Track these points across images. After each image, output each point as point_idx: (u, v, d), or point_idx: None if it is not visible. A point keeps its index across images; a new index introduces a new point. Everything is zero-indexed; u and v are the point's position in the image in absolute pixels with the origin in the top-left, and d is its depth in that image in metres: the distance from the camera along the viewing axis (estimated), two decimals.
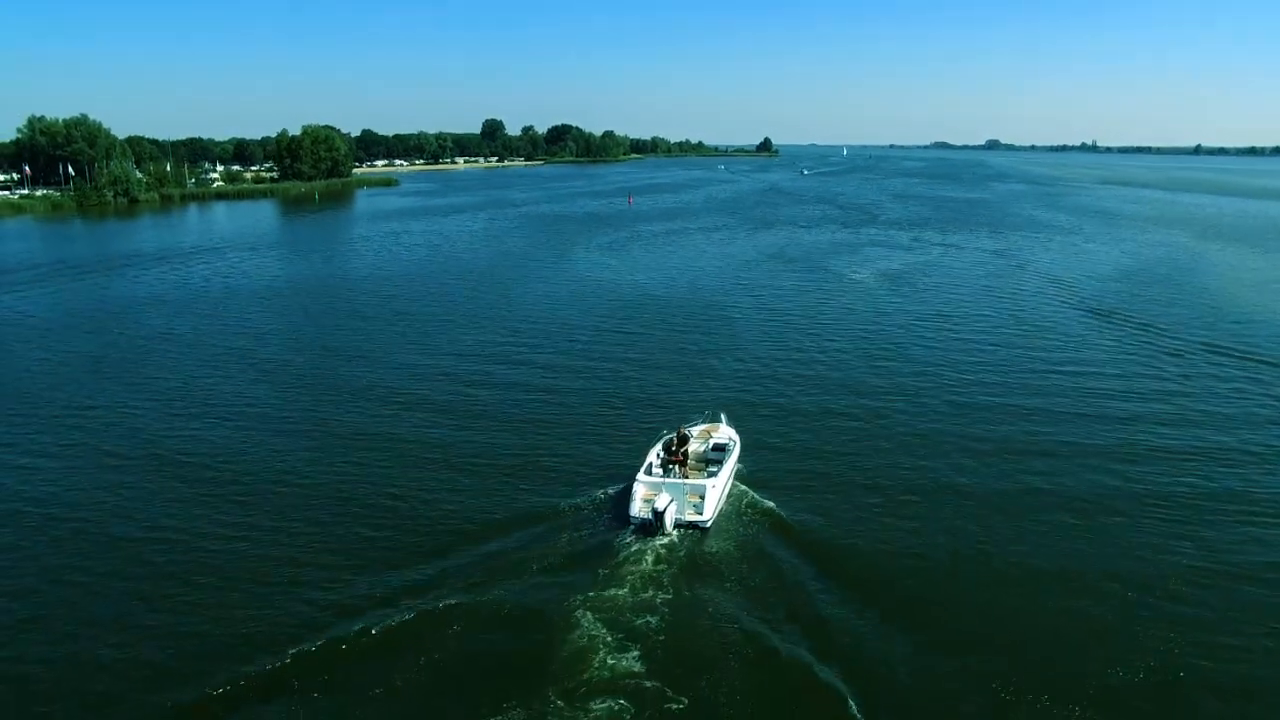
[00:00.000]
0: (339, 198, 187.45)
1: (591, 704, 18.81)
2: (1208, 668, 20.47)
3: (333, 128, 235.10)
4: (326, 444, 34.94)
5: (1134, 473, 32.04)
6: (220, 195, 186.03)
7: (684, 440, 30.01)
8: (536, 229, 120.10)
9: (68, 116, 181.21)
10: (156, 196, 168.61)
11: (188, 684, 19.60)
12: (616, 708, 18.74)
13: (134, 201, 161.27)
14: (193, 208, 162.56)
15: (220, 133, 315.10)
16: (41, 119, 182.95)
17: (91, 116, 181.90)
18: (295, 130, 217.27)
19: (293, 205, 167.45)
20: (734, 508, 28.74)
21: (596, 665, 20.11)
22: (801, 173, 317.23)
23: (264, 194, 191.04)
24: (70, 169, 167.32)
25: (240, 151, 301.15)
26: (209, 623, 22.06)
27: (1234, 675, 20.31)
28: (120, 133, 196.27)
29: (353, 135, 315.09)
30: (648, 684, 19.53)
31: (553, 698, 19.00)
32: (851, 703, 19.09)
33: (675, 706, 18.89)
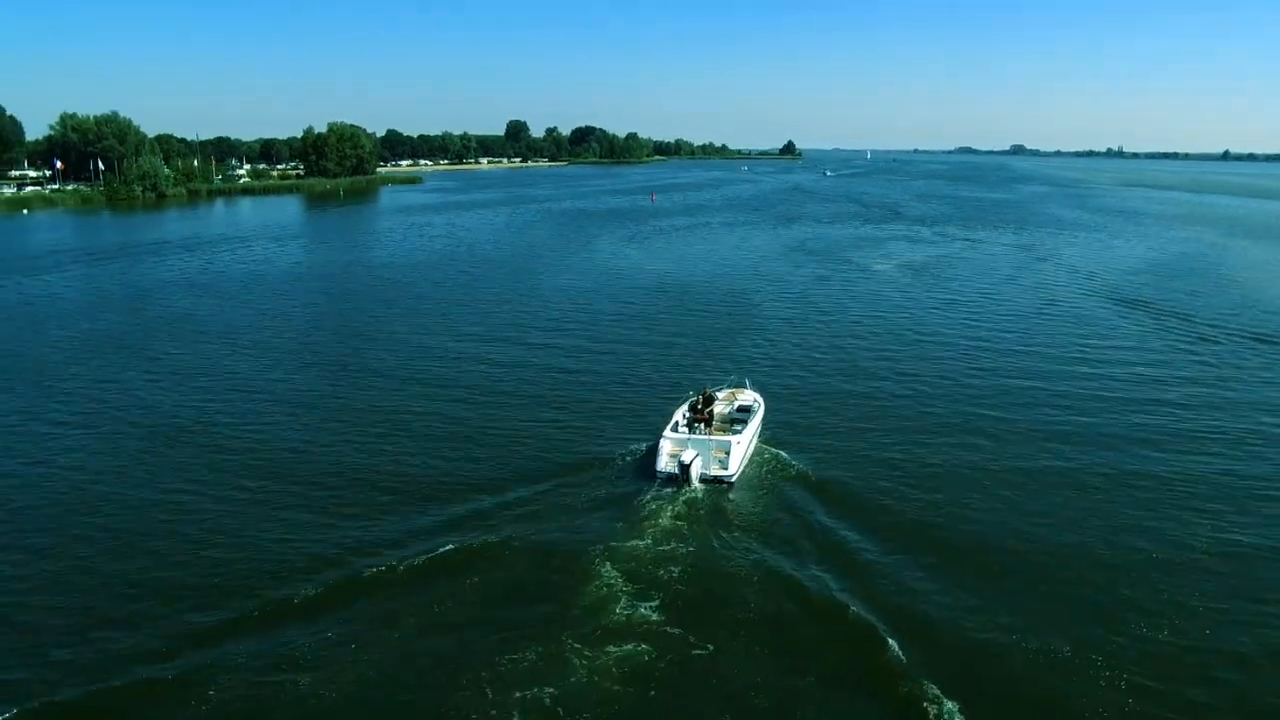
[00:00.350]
0: (363, 194, 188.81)
1: (612, 646, 18.66)
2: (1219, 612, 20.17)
3: (358, 126, 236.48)
4: (362, 410, 35.26)
5: (1156, 442, 31.64)
6: (246, 191, 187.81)
7: (709, 401, 30.30)
8: (559, 223, 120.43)
9: (99, 114, 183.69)
10: (184, 191, 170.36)
11: (219, 607, 20.26)
12: (640, 649, 18.59)
13: (162, 196, 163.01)
14: (219, 202, 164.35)
15: (247, 133, 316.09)
16: (73, 116, 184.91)
17: (122, 114, 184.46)
18: (321, 129, 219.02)
19: (317, 200, 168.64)
20: (758, 465, 28.97)
21: (618, 610, 20.01)
22: (824, 174, 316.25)
23: (289, 190, 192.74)
24: (101, 165, 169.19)
25: (267, 151, 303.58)
26: (239, 561, 22.48)
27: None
28: (150, 132, 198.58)
29: (378, 135, 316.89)
30: (672, 630, 19.36)
31: (573, 640, 18.84)
32: (889, 640, 18.98)
33: (699, 652, 18.69)
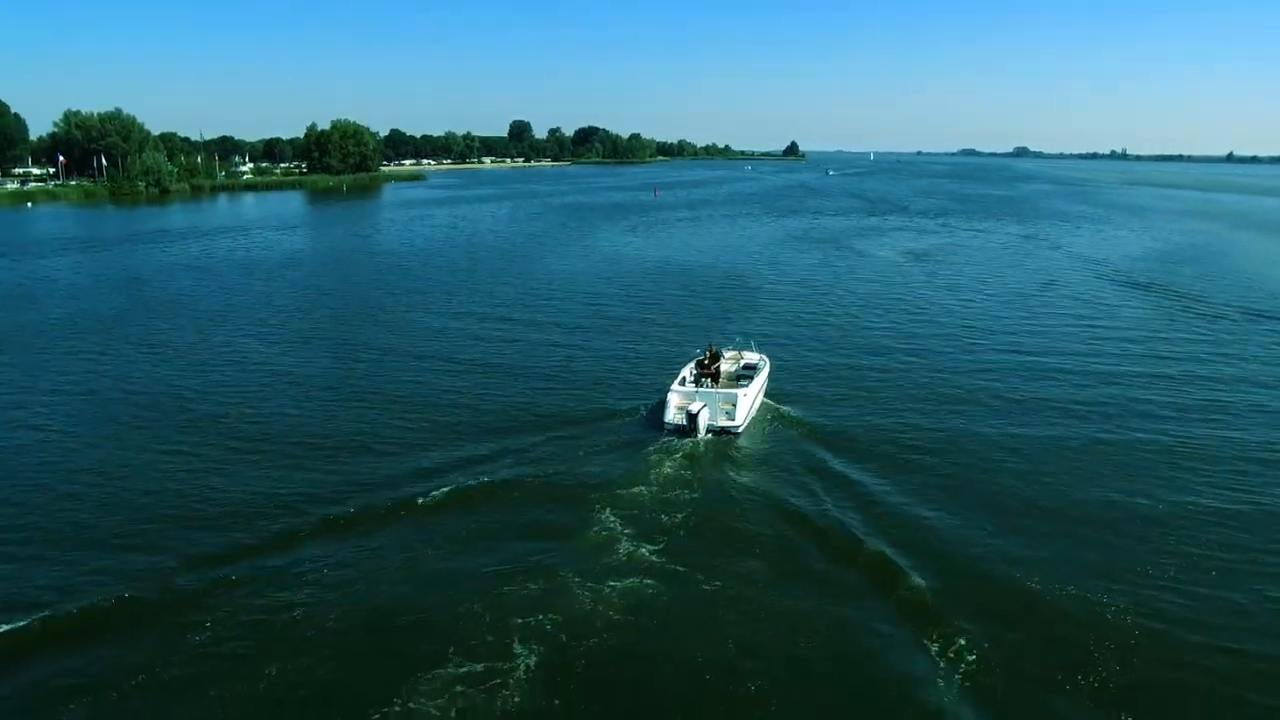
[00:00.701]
0: (366, 190, 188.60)
1: (614, 580, 18.49)
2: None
3: (361, 124, 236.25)
4: (370, 378, 35.37)
5: (1159, 411, 31.57)
6: (250, 187, 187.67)
7: (716, 357, 30.77)
8: (563, 215, 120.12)
9: (103, 111, 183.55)
10: (187, 187, 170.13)
11: (230, 534, 20.56)
12: (643, 583, 18.43)
13: (165, 191, 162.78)
14: (222, 197, 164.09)
15: (250, 135, 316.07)
16: (77, 113, 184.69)
17: (125, 112, 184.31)
18: (324, 126, 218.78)
19: (320, 196, 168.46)
20: (764, 418, 29.40)
21: (622, 547, 19.94)
22: (827, 173, 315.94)
23: (292, 185, 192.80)
24: (104, 161, 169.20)
25: (270, 150, 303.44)
26: (248, 497, 22.67)
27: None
28: (153, 130, 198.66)
29: (380, 135, 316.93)
30: (675, 565, 19.19)
31: (575, 574, 18.68)
32: (897, 561, 19.23)
33: (705, 587, 18.46)
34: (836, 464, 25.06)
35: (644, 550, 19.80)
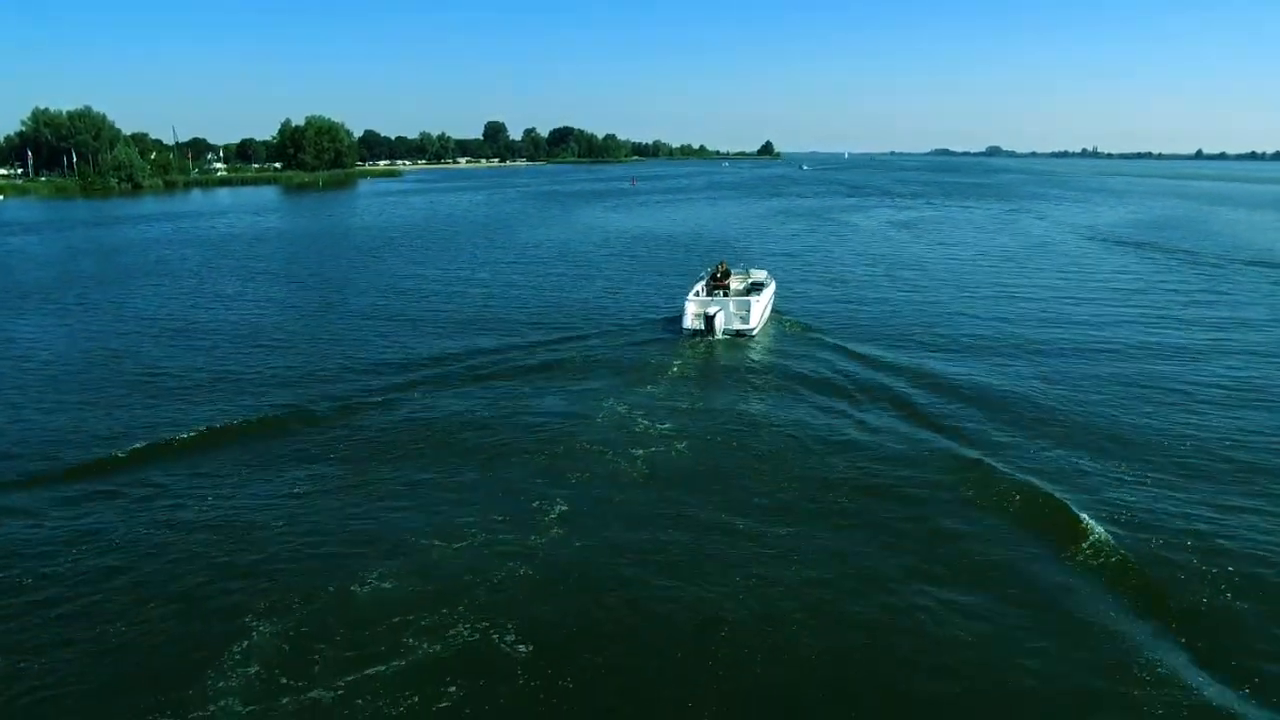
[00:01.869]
0: (343, 184, 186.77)
1: (639, 448, 18.14)
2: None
3: (336, 121, 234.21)
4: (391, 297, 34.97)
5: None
6: (224, 182, 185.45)
7: (726, 273, 32.17)
8: (540, 200, 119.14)
9: (72, 109, 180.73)
10: (160, 182, 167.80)
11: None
12: (661, 454, 17.91)
13: (137, 187, 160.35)
14: (196, 192, 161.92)
15: (221, 138, 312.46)
16: (45, 111, 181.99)
17: (95, 110, 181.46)
18: (298, 122, 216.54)
19: (296, 190, 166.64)
20: (775, 327, 30.96)
21: (640, 427, 19.68)
22: (801, 167, 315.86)
23: (268, 181, 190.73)
24: (75, 157, 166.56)
25: (243, 150, 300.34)
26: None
27: None
28: (124, 130, 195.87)
29: (355, 136, 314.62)
30: (681, 445, 18.59)
31: (600, 448, 18.28)
32: (917, 439, 18.46)
33: (722, 466, 17.77)
34: (847, 363, 25.36)
35: (661, 426, 19.70)
